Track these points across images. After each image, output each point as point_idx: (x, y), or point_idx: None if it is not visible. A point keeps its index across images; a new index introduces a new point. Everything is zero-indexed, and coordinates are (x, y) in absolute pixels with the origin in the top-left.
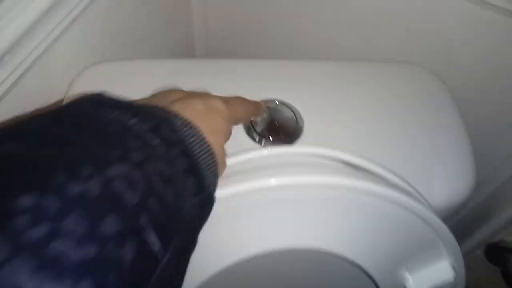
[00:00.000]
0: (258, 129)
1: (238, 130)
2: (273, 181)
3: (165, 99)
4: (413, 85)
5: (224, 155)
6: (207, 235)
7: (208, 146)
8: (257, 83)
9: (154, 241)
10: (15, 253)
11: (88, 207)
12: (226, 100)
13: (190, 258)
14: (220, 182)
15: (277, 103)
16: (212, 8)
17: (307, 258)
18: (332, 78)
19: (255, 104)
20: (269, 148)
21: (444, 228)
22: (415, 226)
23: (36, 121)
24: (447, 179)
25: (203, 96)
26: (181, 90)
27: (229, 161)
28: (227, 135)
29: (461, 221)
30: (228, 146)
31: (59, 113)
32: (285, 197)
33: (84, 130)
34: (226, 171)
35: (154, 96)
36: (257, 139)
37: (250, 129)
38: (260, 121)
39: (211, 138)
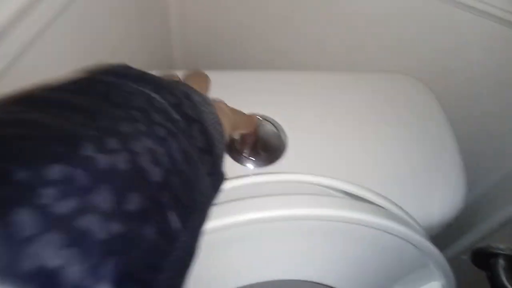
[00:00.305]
0: (239, 146)
1: None
2: (252, 215)
3: None
4: (400, 95)
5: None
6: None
7: (221, 126)
8: (237, 96)
9: (174, 220)
10: (45, 228)
11: (115, 181)
12: (229, 106)
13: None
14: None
15: (259, 118)
16: (190, 17)
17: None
18: (317, 89)
19: (250, 118)
20: (250, 175)
21: (435, 252)
22: (405, 250)
23: (60, 90)
24: (444, 194)
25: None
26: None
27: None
28: (228, 137)
29: (448, 227)
30: None
31: (82, 83)
32: (268, 228)
33: (108, 101)
34: None
35: None
36: (238, 159)
37: (230, 147)
38: (241, 138)
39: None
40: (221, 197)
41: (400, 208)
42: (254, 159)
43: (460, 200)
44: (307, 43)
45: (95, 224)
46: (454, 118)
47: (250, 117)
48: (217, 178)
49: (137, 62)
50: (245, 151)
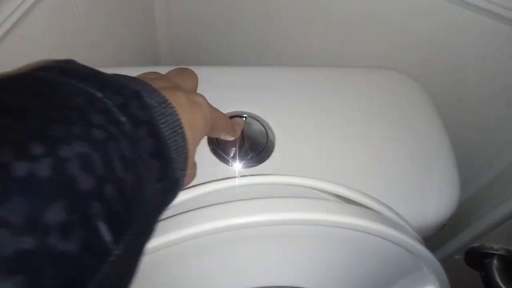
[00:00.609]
0: (225, 146)
1: (202, 148)
2: (238, 220)
3: (150, 81)
4: (392, 93)
5: (194, 154)
6: (175, 275)
7: (181, 128)
8: (223, 93)
9: (104, 232)
10: None
11: (33, 191)
12: (210, 103)
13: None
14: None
15: (245, 116)
16: (176, 10)
17: None
18: (307, 86)
19: (234, 125)
20: (236, 178)
21: (428, 255)
22: (397, 255)
23: None
24: (434, 195)
25: (187, 91)
26: (164, 79)
27: (192, 192)
28: (203, 135)
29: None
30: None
31: (18, 79)
32: (256, 234)
33: (44, 100)
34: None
35: (141, 75)
36: (223, 159)
37: (215, 147)
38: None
39: (188, 133)
40: (203, 200)
41: (392, 210)
42: (241, 159)
43: (454, 200)
44: (296, 37)
45: (3, 238)
46: (447, 117)
47: (235, 123)
48: (169, 185)
49: (122, 58)
50: (231, 150)
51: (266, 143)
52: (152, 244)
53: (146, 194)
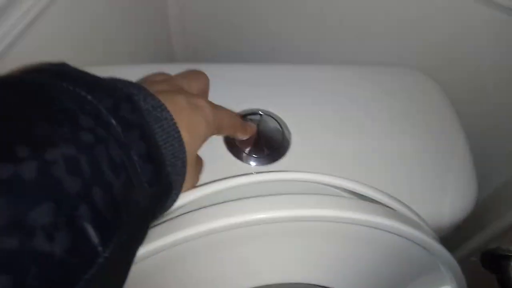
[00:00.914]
0: (241, 144)
1: (219, 145)
2: (256, 216)
3: (150, 86)
4: (408, 90)
5: (196, 158)
6: (190, 270)
7: (178, 132)
8: (239, 90)
9: (92, 234)
10: None
11: (17, 193)
12: (214, 105)
13: (136, 254)
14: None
15: (261, 114)
16: (190, 8)
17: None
18: (322, 83)
19: (245, 124)
20: (253, 173)
21: (446, 255)
22: (414, 253)
23: None
24: (454, 195)
25: (190, 94)
26: (168, 81)
27: (210, 188)
28: (205, 138)
29: (456, 229)
30: (208, 164)
31: (8, 81)
32: (271, 230)
33: (34, 103)
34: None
35: (145, 78)
36: (239, 156)
37: (232, 144)
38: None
39: (186, 136)
40: (219, 197)
41: (409, 208)
42: (256, 157)
43: (471, 201)
44: (311, 34)
45: None
46: (463, 114)
47: (245, 124)
48: (162, 189)
49: (136, 56)
50: (247, 148)
51: (282, 140)
52: (169, 240)
53: (137, 198)
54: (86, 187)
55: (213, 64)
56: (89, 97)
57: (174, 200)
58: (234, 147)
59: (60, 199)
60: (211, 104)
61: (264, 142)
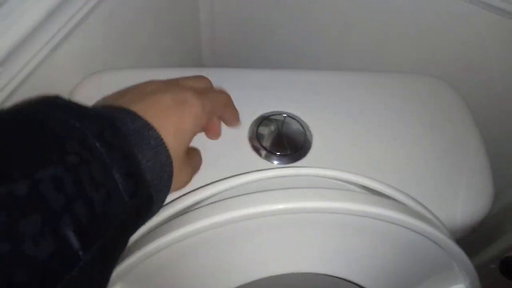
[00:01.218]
0: (265, 143)
1: (244, 144)
2: (280, 206)
3: (138, 92)
4: (427, 97)
5: (186, 157)
6: (206, 259)
7: (165, 148)
8: (264, 94)
9: (73, 242)
10: None
11: (11, 206)
12: (201, 92)
13: (117, 259)
14: (223, 204)
15: (285, 116)
16: (220, 14)
17: (313, 282)
18: (344, 89)
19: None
20: (275, 168)
21: (460, 252)
22: (428, 250)
23: None
24: (468, 196)
25: (176, 89)
26: (155, 82)
27: (232, 181)
28: (195, 132)
29: (475, 235)
30: (233, 161)
31: (5, 113)
32: (292, 221)
33: (28, 131)
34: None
35: (130, 88)
36: (263, 155)
37: (256, 144)
38: (267, 135)
39: (171, 140)
40: (237, 190)
41: (424, 206)
42: (279, 156)
43: (485, 204)
44: (335, 43)
45: None
46: (482, 120)
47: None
48: (142, 201)
49: (167, 60)
50: (270, 147)
51: (304, 142)
52: (197, 225)
53: (116, 210)
54: (70, 201)
55: (240, 69)
56: (77, 124)
57: (158, 209)
58: (257, 146)
59: (46, 212)
60: (198, 93)
61: (286, 142)
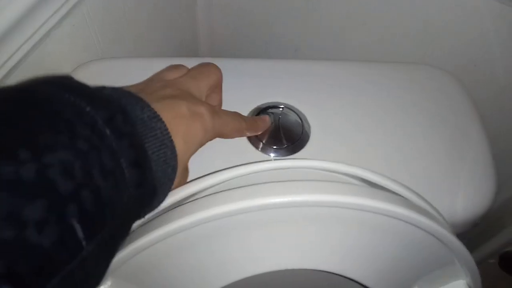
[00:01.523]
0: (261, 136)
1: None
2: (276, 199)
3: (154, 92)
4: (429, 88)
5: (186, 165)
6: (202, 253)
7: (171, 141)
8: (261, 84)
9: (78, 230)
10: None
11: (16, 190)
12: (216, 111)
13: (118, 249)
14: (219, 197)
15: (282, 107)
16: (217, 4)
17: (310, 278)
18: (343, 79)
19: (254, 121)
20: (272, 160)
21: (461, 247)
22: (428, 244)
23: None
24: (469, 190)
25: (193, 100)
26: (175, 85)
27: (227, 174)
28: (201, 144)
29: (475, 229)
30: (229, 153)
31: (14, 91)
32: (289, 215)
33: (37, 112)
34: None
35: (149, 84)
36: (259, 147)
37: (252, 136)
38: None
39: (180, 144)
40: (232, 182)
41: (425, 200)
42: (276, 148)
43: (487, 198)
44: (335, 34)
45: None
46: (486, 114)
47: (252, 121)
48: (147, 192)
49: (163, 48)
50: (266, 139)
51: (302, 133)
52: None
53: (123, 200)
54: (77, 189)
55: (236, 59)
56: (87, 108)
57: (160, 202)
58: (254, 138)
59: (52, 198)
60: (213, 111)
61: (284, 134)
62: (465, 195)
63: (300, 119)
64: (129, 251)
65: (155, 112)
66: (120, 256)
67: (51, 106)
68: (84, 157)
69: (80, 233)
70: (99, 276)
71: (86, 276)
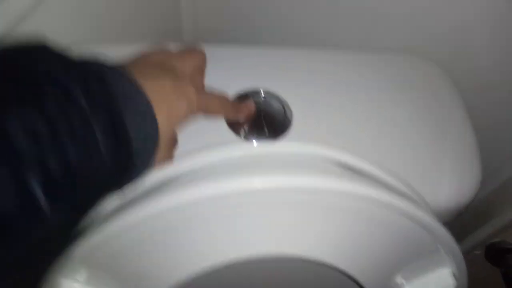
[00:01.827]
0: (243, 123)
1: (220, 123)
2: (256, 183)
3: (140, 66)
4: (414, 77)
5: (171, 138)
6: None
7: (153, 115)
8: (243, 70)
9: (40, 196)
10: None
11: None
12: (202, 91)
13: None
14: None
15: (263, 93)
16: None
17: (291, 266)
18: (326, 67)
19: (238, 106)
20: (253, 144)
21: (444, 233)
22: (412, 232)
23: None
24: (453, 179)
25: (177, 76)
26: (162, 63)
27: (206, 157)
28: (185, 120)
29: (461, 220)
30: (208, 139)
31: None
32: (268, 200)
33: (9, 75)
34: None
35: (136, 57)
36: (239, 133)
37: (232, 122)
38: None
39: (162, 116)
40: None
41: (409, 185)
42: (257, 135)
43: (471, 187)
44: (321, 23)
45: None
46: (471, 104)
47: (237, 106)
48: (124, 164)
49: (145, 32)
50: (247, 126)
51: (283, 119)
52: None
53: (94, 169)
54: (42, 153)
55: (218, 45)
56: (63, 76)
57: (140, 174)
58: (235, 125)
59: (14, 162)
60: (198, 89)
61: (265, 120)
62: (449, 183)
63: (282, 105)
64: (102, 237)
65: (137, 84)
66: (92, 242)
67: (24, 70)
68: (52, 120)
69: (41, 197)
70: (63, 243)
71: (48, 242)
